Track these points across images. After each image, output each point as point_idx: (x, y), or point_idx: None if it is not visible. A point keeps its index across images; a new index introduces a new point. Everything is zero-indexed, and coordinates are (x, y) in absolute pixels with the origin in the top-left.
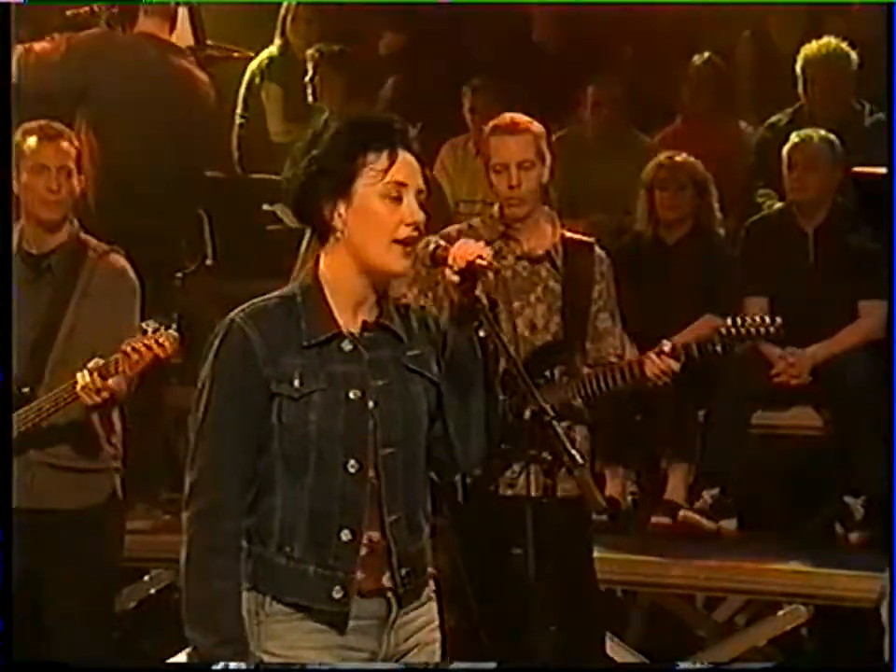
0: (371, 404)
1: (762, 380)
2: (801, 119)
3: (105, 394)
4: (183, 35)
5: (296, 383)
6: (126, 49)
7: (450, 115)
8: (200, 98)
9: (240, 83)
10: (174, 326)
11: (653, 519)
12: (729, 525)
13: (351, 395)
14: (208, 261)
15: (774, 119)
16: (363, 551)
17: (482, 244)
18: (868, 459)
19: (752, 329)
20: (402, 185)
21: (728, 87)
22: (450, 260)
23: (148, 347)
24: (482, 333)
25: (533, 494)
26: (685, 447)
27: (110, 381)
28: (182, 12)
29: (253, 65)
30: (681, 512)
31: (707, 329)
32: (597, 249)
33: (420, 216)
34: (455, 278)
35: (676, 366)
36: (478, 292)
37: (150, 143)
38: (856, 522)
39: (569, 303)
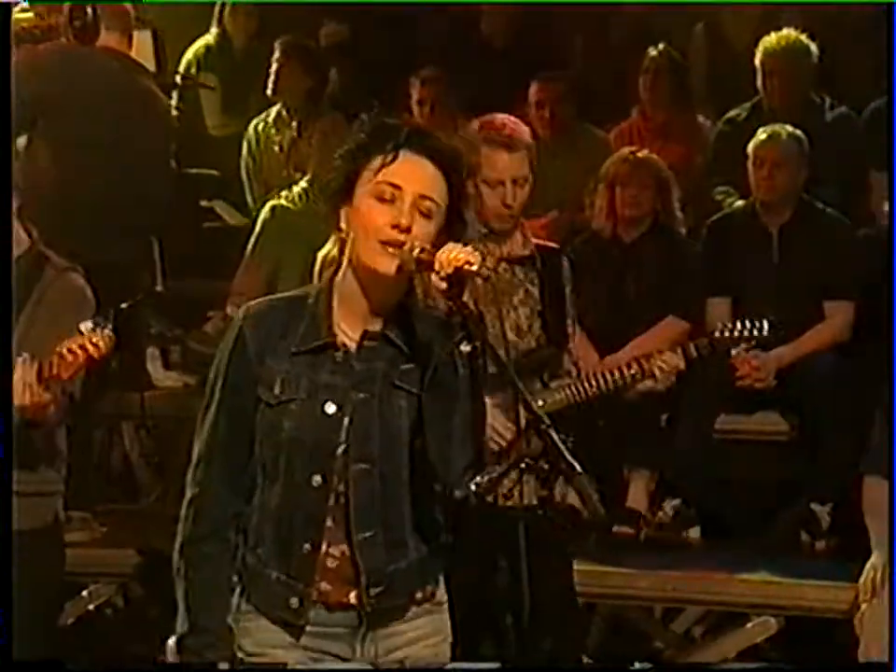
0: (346, 420)
1: (726, 383)
2: (760, 114)
3: (39, 398)
4: (145, 59)
5: (275, 389)
6: (88, 63)
7: (397, 107)
8: (160, 117)
9: (175, 73)
10: (109, 325)
11: (615, 528)
12: (692, 534)
13: (327, 408)
14: (158, 288)
15: (732, 113)
16: (331, 563)
17: (469, 248)
18: (835, 465)
19: (746, 333)
20: (396, 187)
21: (685, 80)
22: (436, 266)
23: (83, 348)
24: (464, 348)
25: (529, 503)
26: (647, 453)
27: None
28: (145, 37)
29: (189, 55)
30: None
31: (671, 332)
32: (563, 256)
33: (408, 219)
34: (443, 284)
35: (682, 364)
36: (466, 299)
37: (108, 160)
38: (822, 530)
39: (549, 307)
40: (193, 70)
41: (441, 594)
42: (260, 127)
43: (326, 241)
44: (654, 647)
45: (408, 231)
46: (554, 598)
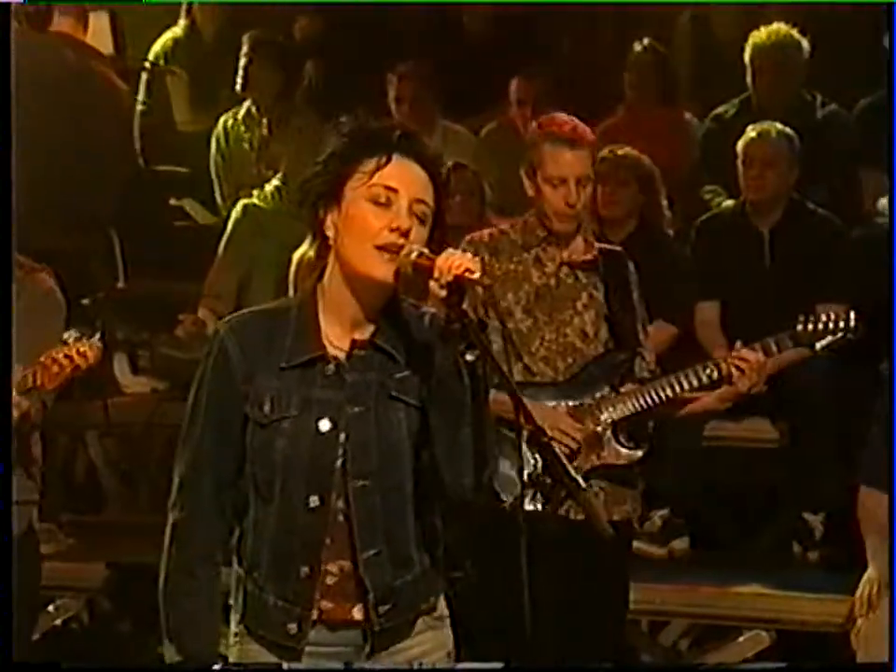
0: (342, 437)
1: (715, 388)
2: (749, 111)
3: (18, 407)
4: (103, 43)
5: (266, 408)
6: (41, 50)
7: (374, 105)
8: (116, 104)
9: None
10: (97, 335)
11: None
12: (681, 544)
13: (321, 426)
14: (119, 284)
15: (720, 110)
16: (330, 580)
17: (469, 255)
18: (827, 473)
19: (831, 325)
20: (392, 190)
21: (671, 76)
22: (435, 273)
23: (69, 358)
24: (469, 357)
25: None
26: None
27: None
28: (102, 18)
29: (156, 48)
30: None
31: (658, 338)
32: (628, 259)
33: (407, 222)
34: (442, 292)
35: (762, 358)
36: (466, 307)
37: (62, 148)
38: (815, 540)
39: (615, 311)
40: (161, 64)
41: (443, 607)
42: (230, 124)
43: (300, 241)
44: (642, 661)
45: (406, 234)
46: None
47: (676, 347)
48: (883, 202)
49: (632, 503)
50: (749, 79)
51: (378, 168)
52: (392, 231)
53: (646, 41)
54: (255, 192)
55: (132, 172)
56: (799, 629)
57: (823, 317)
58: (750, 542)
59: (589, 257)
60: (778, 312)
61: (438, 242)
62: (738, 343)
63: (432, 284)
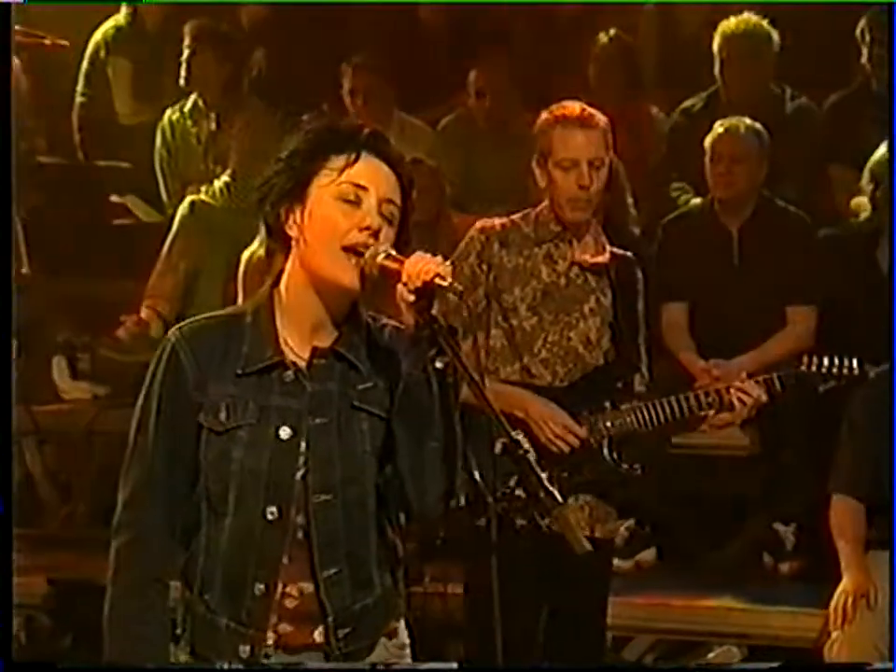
0: (303, 445)
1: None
2: (716, 104)
3: None
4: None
5: (222, 415)
6: None
7: (325, 95)
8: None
9: (81, 57)
10: None
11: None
12: (647, 556)
13: (282, 433)
14: (24, 270)
15: (687, 103)
16: (290, 604)
17: (439, 259)
18: (798, 481)
19: (835, 370)
20: (361, 188)
21: (637, 68)
22: (404, 277)
23: None
24: (438, 364)
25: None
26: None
27: None
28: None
29: (97, 36)
30: None
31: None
32: (637, 266)
33: (377, 221)
34: (410, 297)
35: (764, 396)
36: (435, 312)
37: None
38: (787, 551)
39: (620, 320)
40: (102, 53)
41: (403, 633)
42: (175, 117)
43: (250, 240)
44: None
45: (376, 235)
46: None
47: None
48: (857, 200)
49: (613, 522)
50: (717, 71)
51: (347, 165)
52: (361, 230)
53: (612, 32)
54: (203, 189)
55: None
56: (771, 643)
57: (826, 361)
58: (720, 554)
59: (601, 259)
60: (748, 313)
61: (402, 244)
62: (744, 374)
63: (400, 288)
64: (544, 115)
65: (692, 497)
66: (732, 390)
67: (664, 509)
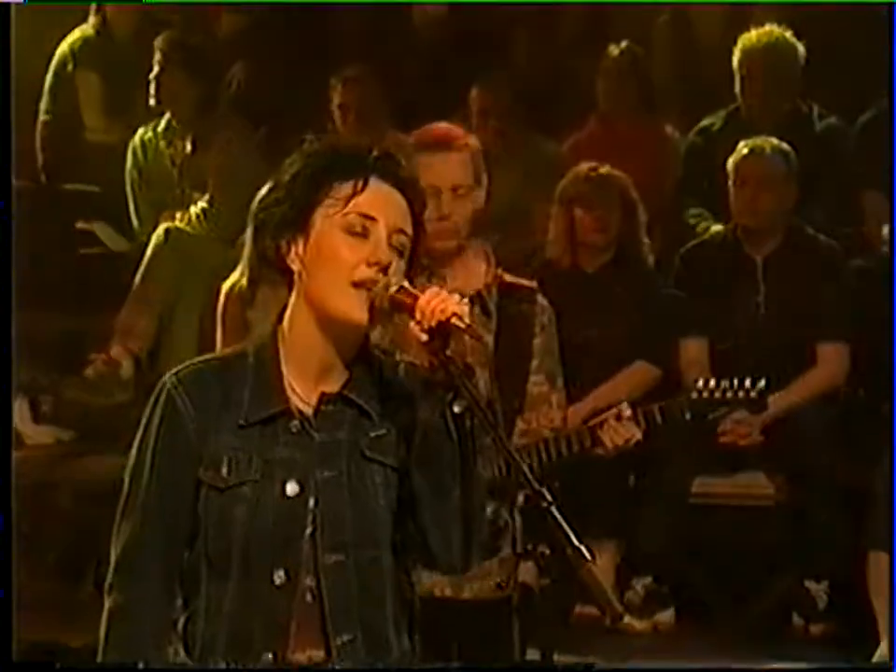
0: (311, 502)
1: (704, 440)
2: (737, 123)
3: None
4: None
5: (223, 470)
6: None
7: (312, 112)
8: None
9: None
10: None
11: (578, 609)
12: (666, 616)
13: (288, 489)
14: None
15: (705, 122)
16: None
17: (456, 297)
18: (831, 534)
19: (729, 394)
20: (369, 218)
21: (650, 83)
22: (417, 314)
23: None
24: (456, 409)
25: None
26: (614, 520)
27: None
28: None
29: (63, 48)
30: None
31: (639, 379)
32: (540, 298)
33: (387, 256)
34: (423, 337)
35: (639, 434)
36: (450, 352)
37: None
38: (818, 611)
39: (503, 359)
40: (70, 66)
41: None
42: (148, 136)
43: (230, 270)
44: None
45: (386, 270)
46: None
47: (658, 391)
48: (888, 229)
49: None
50: (737, 88)
51: (354, 194)
52: (370, 265)
53: (623, 44)
54: (178, 215)
55: None
56: None
57: (722, 384)
58: (744, 614)
59: (470, 292)
60: (774, 351)
61: (412, 275)
62: (627, 412)
63: (413, 326)
64: (409, 140)
65: (714, 551)
66: (605, 426)
67: (683, 565)
